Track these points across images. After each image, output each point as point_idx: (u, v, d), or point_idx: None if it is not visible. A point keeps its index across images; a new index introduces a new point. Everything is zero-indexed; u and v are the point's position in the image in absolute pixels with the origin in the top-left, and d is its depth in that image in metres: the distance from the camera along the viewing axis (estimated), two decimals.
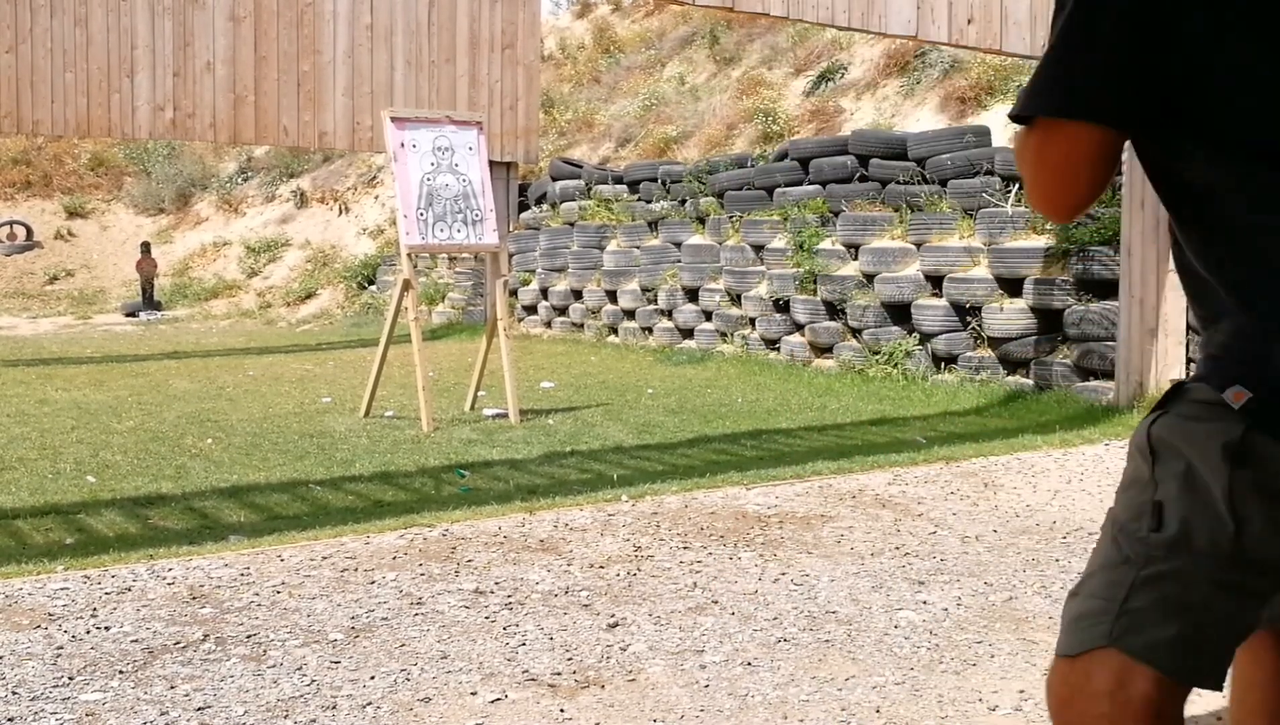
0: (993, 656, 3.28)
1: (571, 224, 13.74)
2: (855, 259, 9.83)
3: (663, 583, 3.97)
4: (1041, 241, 8.40)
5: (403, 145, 7.65)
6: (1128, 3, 1.32)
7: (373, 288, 17.84)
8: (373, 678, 3.10)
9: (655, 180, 12.85)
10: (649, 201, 12.81)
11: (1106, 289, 7.83)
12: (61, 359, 12.51)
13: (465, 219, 7.82)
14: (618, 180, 13.54)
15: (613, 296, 12.82)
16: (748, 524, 4.81)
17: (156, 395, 9.10)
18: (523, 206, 14.98)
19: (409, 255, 7.54)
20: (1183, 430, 1.39)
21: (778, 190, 10.90)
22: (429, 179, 7.70)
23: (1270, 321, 1.33)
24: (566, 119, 17.46)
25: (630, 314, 12.60)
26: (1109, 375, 7.75)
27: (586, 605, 3.73)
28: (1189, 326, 7.32)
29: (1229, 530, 1.35)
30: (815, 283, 10.03)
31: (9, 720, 2.81)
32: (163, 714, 2.85)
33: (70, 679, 3.07)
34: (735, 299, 11.12)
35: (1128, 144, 1.40)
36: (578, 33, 21.22)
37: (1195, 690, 1.39)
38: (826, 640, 3.40)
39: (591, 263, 13.17)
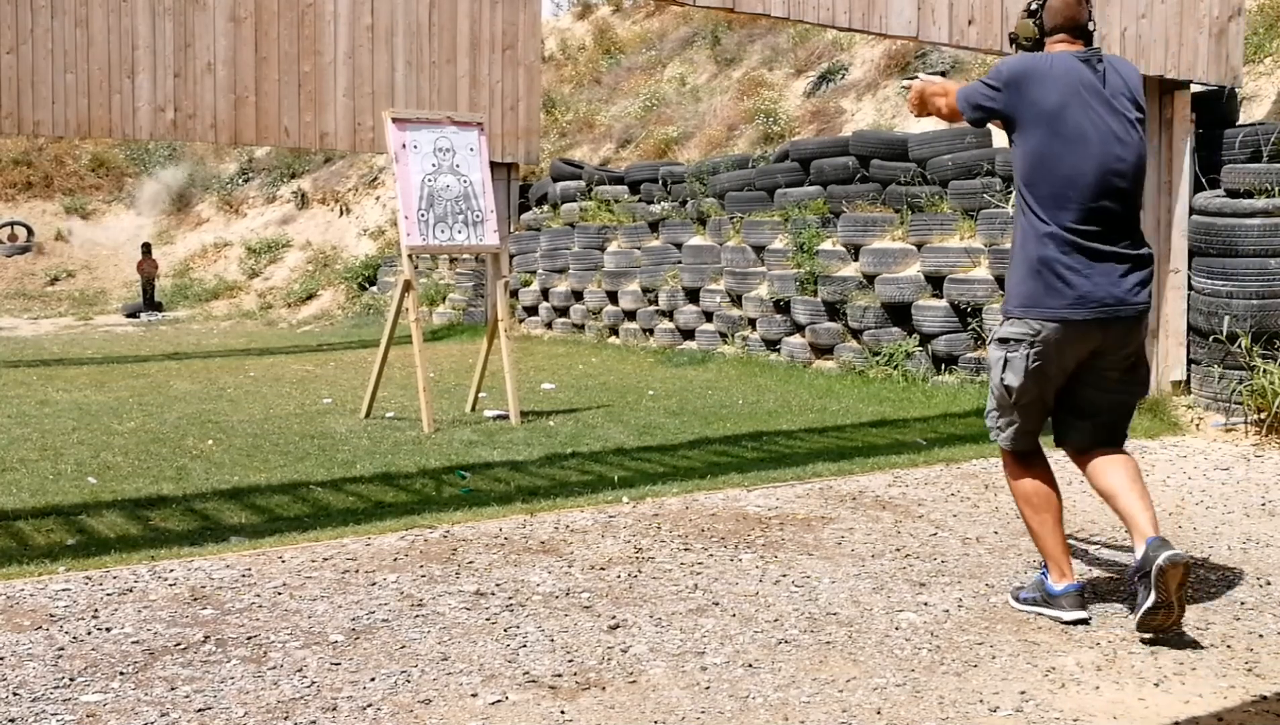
0: (994, 658, 3.28)
1: (572, 225, 13.73)
2: (856, 260, 9.82)
3: (663, 584, 3.98)
4: None
5: (404, 146, 7.65)
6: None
7: (373, 289, 17.84)
8: (373, 679, 3.10)
9: (656, 181, 12.84)
10: (650, 202, 12.80)
11: None
12: (62, 360, 12.52)
13: (466, 220, 7.82)
14: (618, 181, 13.53)
15: (613, 297, 12.82)
16: (748, 526, 4.81)
17: (157, 396, 9.11)
18: (523, 207, 14.98)
19: (410, 256, 7.54)
20: None
21: (778, 191, 10.90)
22: (430, 180, 7.71)
23: None
24: (567, 120, 17.46)
25: (631, 315, 12.59)
26: None
27: (587, 607, 3.73)
28: (1189, 327, 7.32)
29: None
30: (816, 284, 10.03)
31: (10, 721, 2.81)
32: (163, 715, 2.85)
33: (71, 680, 3.07)
34: (736, 300, 11.12)
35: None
36: (578, 34, 21.22)
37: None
38: (827, 642, 3.41)
39: (592, 264, 13.16)
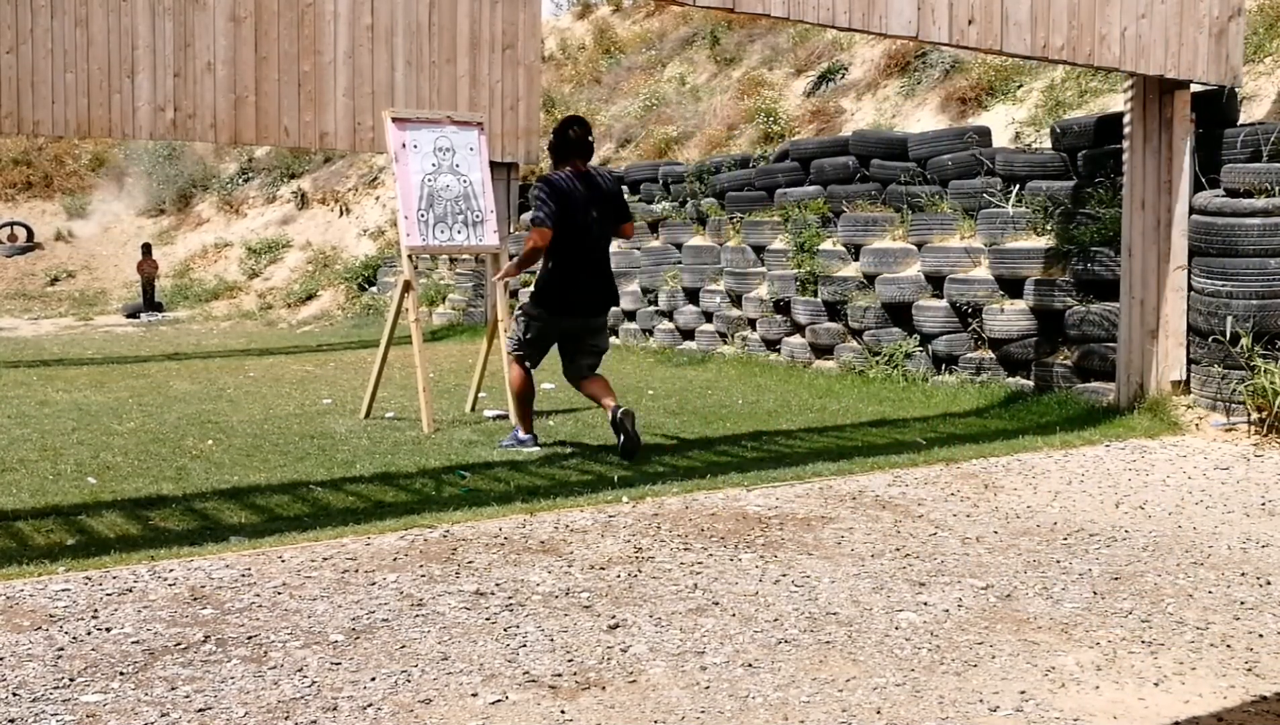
0: (994, 657, 3.28)
1: None
2: (856, 260, 9.82)
3: (663, 584, 3.98)
4: (1042, 242, 8.40)
5: (404, 146, 7.65)
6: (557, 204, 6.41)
7: (373, 289, 17.83)
8: (373, 679, 3.10)
9: (656, 181, 12.84)
10: (649, 202, 12.80)
11: (1107, 290, 7.83)
12: (62, 360, 12.52)
13: (466, 220, 7.81)
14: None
15: None
16: (748, 525, 4.81)
17: (157, 397, 9.11)
18: (523, 207, 14.96)
19: (409, 256, 7.54)
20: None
21: (778, 191, 10.89)
22: (430, 180, 7.70)
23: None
24: None
25: (631, 315, 12.59)
26: (1109, 376, 7.75)
27: (587, 607, 3.73)
28: (1189, 328, 7.32)
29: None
30: (816, 284, 10.02)
31: (10, 721, 2.81)
32: (163, 715, 2.85)
33: (71, 680, 3.07)
34: (736, 300, 11.12)
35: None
36: (578, 33, 21.22)
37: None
38: (827, 641, 3.41)
39: None
